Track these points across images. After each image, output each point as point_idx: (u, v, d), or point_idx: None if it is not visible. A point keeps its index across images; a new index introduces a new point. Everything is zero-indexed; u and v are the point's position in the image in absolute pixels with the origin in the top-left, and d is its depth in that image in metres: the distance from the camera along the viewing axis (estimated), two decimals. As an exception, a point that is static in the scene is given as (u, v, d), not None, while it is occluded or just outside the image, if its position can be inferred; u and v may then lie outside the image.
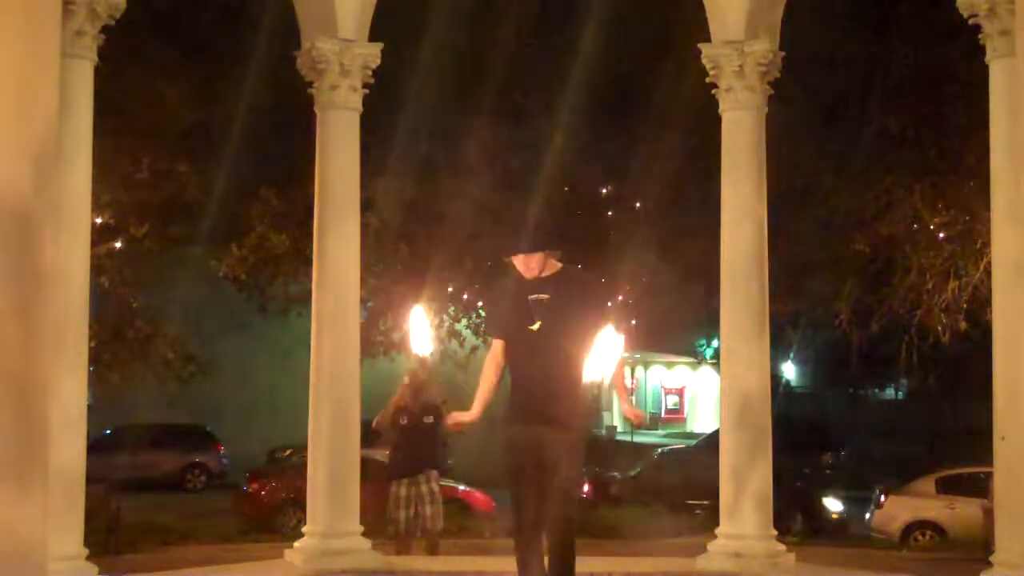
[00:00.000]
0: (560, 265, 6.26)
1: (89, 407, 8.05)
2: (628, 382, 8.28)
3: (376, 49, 9.34)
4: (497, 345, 6.32)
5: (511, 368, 6.20)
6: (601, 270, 15.87)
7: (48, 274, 4.78)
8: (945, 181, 14.84)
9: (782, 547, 8.98)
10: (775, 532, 8.97)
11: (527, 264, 6.18)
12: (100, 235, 14.46)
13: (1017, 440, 7.63)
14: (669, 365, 44.29)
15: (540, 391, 6.00)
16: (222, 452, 28.01)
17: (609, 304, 6.45)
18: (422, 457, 10.72)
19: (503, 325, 6.34)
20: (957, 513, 16.98)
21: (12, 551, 4.55)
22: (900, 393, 40.51)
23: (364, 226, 10.13)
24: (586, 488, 19.20)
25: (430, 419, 10.65)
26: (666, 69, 13.86)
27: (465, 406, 6.32)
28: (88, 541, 7.98)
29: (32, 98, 4.74)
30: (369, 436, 10.54)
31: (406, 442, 10.66)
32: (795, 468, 21.87)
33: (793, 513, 18.34)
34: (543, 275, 6.16)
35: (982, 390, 8.53)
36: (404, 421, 10.59)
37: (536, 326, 6.07)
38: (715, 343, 27.87)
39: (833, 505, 19.95)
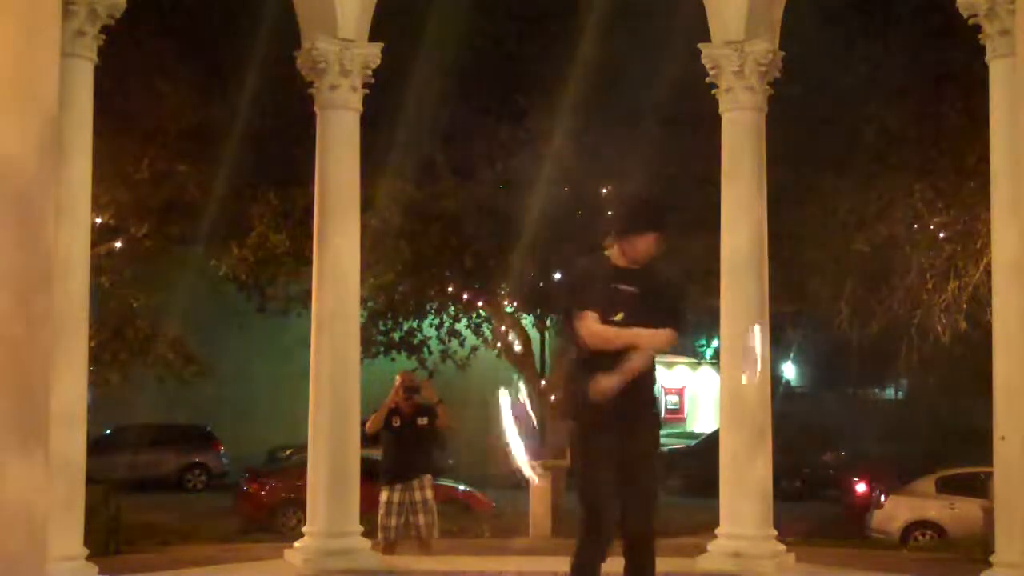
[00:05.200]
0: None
1: (89, 407, 8.06)
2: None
3: (376, 49, 9.36)
4: (595, 315, 5.63)
5: (588, 357, 5.65)
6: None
7: (49, 265, 4.78)
8: (945, 181, 14.80)
9: (782, 547, 9.00)
10: (775, 532, 8.98)
11: (639, 247, 5.71)
12: (100, 235, 14.45)
13: (1017, 440, 7.64)
14: (669, 365, 44.18)
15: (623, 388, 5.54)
16: (222, 452, 28.00)
17: (680, 307, 5.97)
18: (416, 461, 10.37)
19: (596, 302, 5.66)
20: (957, 513, 16.96)
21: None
22: (900, 393, 40.42)
23: (364, 226, 10.12)
24: None
25: (424, 421, 10.37)
26: (666, 69, 13.83)
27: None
28: (88, 541, 8.00)
29: (32, 98, 4.75)
30: (370, 436, 10.47)
31: (399, 445, 10.33)
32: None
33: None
34: (633, 266, 5.73)
35: (982, 390, 8.52)
36: (397, 423, 10.32)
37: (619, 317, 5.61)
38: (715, 343, 27.86)
39: None
